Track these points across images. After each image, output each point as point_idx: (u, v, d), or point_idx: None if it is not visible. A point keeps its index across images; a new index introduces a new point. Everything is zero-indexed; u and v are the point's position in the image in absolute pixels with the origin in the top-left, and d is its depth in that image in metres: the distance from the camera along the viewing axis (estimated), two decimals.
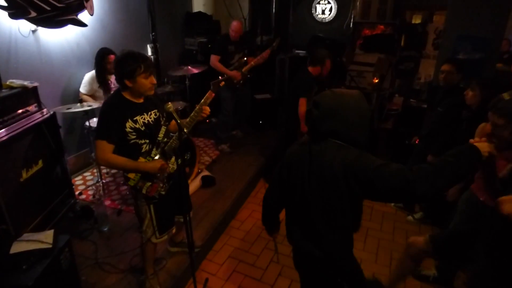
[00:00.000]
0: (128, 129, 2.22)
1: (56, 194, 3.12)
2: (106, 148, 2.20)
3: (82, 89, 3.94)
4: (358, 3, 6.73)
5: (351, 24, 6.90)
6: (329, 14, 7.41)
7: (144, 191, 2.38)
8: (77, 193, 3.71)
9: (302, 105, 3.96)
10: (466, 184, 2.67)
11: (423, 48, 6.52)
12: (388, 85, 6.04)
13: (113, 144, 2.21)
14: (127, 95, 2.27)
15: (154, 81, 2.28)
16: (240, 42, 4.82)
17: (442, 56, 4.29)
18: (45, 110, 3.00)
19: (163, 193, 2.45)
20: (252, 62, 4.84)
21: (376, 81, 5.64)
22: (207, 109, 2.48)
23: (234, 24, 4.71)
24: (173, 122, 2.42)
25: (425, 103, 4.81)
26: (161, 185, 2.43)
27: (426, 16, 6.85)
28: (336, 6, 7.30)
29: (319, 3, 7.44)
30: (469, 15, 4.07)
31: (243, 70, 4.83)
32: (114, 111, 2.23)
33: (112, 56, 3.93)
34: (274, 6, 7.14)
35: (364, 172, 1.56)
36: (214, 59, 4.70)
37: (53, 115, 3.05)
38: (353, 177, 1.58)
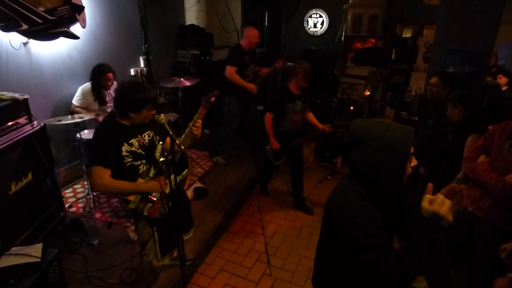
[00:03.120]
0: (124, 153, 2.22)
1: (46, 207, 3.07)
2: (103, 174, 2.17)
3: (75, 101, 3.90)
4: (349, 17, 6.83)
5: (343, 37, 6.99)
6: (321, 28, 7.52)
7: (145, 213, 2.35)
8: (67, 205, 3.66)
9: (267, 120, 3.92)
10: None
11: (413, 62, 6.61)
12: (380, 98, 6.11)
13: (109, 168, 2.20)
14: (121, 120, 2.26)
15: (155, 111, 2.29)
16: (253, 52, 4.73)
17: (432, 69, 4.36)
18: (35, 122, 2.98)
19: (165, 213, 2.43)
20: (266, 73, 4.74)
21: (368, 93, 5.70)
22: (199, 123, 2.45)
23: (254, 31, 4.57)
24: (167, 140, 2.44)
25: (416, 116, 4.86)
26: (162, 205, 2.41)
27: (417, 30, 6.97)
28: (328, 20, 7.42)
29: (311, 16, 7.55)
30: (459, 30, 4.15)
31: (257, 82, 4.72)
32: (109, 136, 2.22)
33: (111, 75, 3.92)
34: (266, 19, 7.22)
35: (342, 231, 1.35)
36: (231, 70, 4.51)
37: (44, 127, 3.03)
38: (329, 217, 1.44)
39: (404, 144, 1.32)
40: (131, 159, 2.26)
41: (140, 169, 2.32)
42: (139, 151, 2.28)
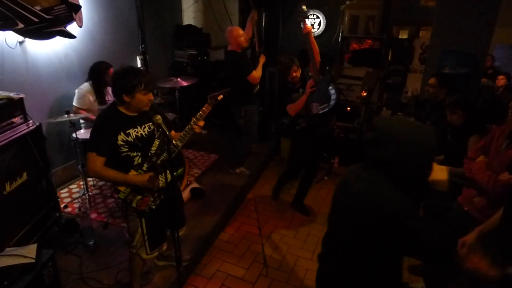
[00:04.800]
0: (120, 142, 2.21)
1: (41, 207, 3.05)
2: (96, 161, 2.19)
3: (76, 103, 3.88)
4: (346, 18, 6.83)
5: (340, 38, 6.99)
6: (318, 28, 7.51)
7: (134, 205, 2.36)
8: (62, 206, 3.64)
9: (290, 108, 3.71)
10: (454, 195, 2.70)
11: (410, 63, 6.63)
12: (376, 99, 6.11)
13: (103, 157, 2.21)
14: (122, 109, 2.26)
15: (152, 97, 2.28)
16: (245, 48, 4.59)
17: (428, 70, 4.37)
18: (30, 121, 2.96)
19: (153, 207, 2.42)
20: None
21: (364, 94, 5.70)
22: (202, 123, 2.46)
23: (237, 31, 4.27)
24: (172, 133, 2.46)
25: (412, 117, 4.88)
26: (152, 199, 2.39)
27: (413, 31, 6.98)
28: (325, 21, 7.42)
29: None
30: (454, 31, 4.16)
31: (257, 53, 4.75)
32: (107, 124, 2.22)
33: (112, 70, 3.92)
34: (264, 20, 7.21)
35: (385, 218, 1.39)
36: (256, 75, 4.29)
37: (39, 127, 3.01)
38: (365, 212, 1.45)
39: (431, 138, 1.42)
40: (126, 149, 2.25)
41: (135, 160, 2.30)
42: (135, 142, 2.26)
